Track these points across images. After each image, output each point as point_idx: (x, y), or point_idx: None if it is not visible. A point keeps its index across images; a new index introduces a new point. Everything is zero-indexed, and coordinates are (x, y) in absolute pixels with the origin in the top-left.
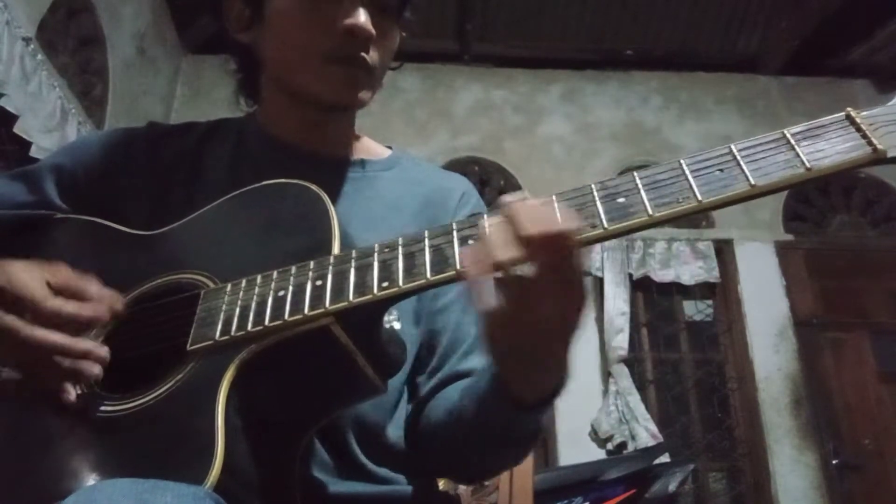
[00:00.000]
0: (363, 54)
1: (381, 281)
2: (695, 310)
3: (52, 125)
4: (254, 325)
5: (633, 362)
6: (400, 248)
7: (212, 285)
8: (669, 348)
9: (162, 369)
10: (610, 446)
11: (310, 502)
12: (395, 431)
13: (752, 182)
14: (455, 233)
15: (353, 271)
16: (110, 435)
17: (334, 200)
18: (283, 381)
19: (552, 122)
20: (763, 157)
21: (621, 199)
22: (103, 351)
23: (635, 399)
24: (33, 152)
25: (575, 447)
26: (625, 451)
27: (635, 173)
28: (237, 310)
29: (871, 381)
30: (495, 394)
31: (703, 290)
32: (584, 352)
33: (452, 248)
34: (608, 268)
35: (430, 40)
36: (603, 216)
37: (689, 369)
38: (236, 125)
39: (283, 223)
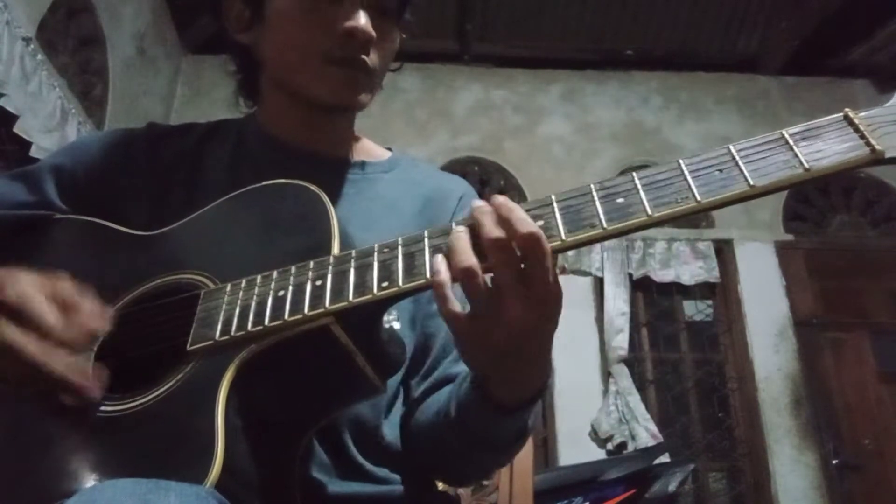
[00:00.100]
0: (363, 56)
1: (380, 281)
2: (695, 310)
3: (52, 125)
4: (254, 325)
5: (633, 362)
6: (400, 249)
7: (211, 285)
8: (669, 348)
9: (162, 369)
10: (610, 446)
11: (309, 502)
12: (391, 431)
13: (751, 182)
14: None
15: (352, 271)
16: (110, 435)
17: (334, 201)
18: (283, 381)
19: (552, 122)
20: (762, 158)
21: (620, 200)
22: (97, 390)
23: (635, 399)
24: (33, 152)
25: (575, 447)
26: (625, 451)
27: (634, 174)
28: (237, 310)
29: (871, 381)
30: (476, 397)
31: (703, 290)
32: (584, 352)
33: None
34: (608, 268)
35: (430, 40)
36: (602, 216)
37: (689, 369)
38: (236, 126)
39: (282, 223)
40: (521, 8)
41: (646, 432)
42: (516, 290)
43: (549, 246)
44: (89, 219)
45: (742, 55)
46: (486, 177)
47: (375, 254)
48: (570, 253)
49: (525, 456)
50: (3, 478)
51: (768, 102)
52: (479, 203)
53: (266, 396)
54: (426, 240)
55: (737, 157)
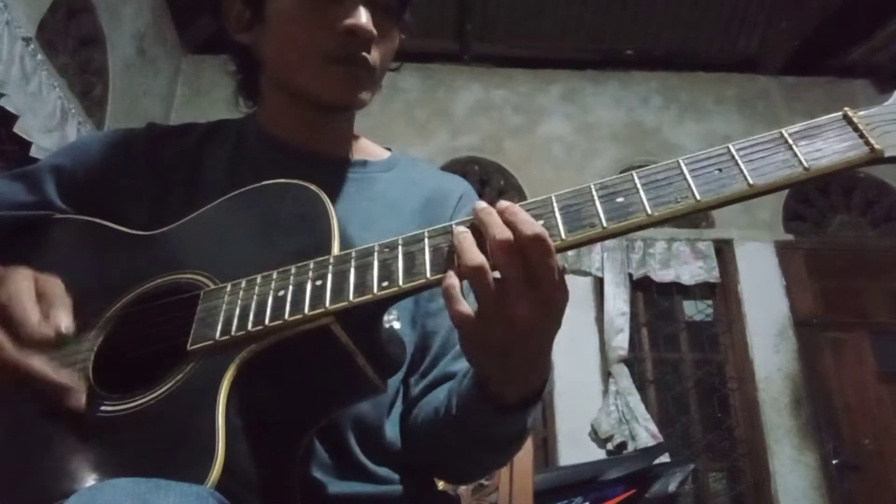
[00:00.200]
0: (364, 54)
1: (380, 280)
2: (695, 310)
3: (52, 125)
4: (254, 324)
5: (633, 362)
6: (400, 248)
7: (211, 285)
8: (669, 348)
9: (162, 369)
10: (610, 446)
11: (310, 502)
12: (392, 430)
13: (751, 182)
14: (456, 229)
15: (352, 271)
16: (110, 435)
17: (334, 201)
18: (284, 380)
19: (552, 122)
20: (761, 157)
21: (620, 199)
22: (80, 388)
23: (635, 399)
24: (33, 152)
25: (575, 447)
26: (625, 451)
27: (634, 173)
28: (237, 310)
29: (871, 381)
30: (476, 395)
31: (703, 290)
32: (584, 352)
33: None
34: (608, 268)
35: (430, 40)
36: (602, 216)
37: (689, 369)
38: (236, 126)
39: (282, 223)
40: (521, 8)
41: (646, 432)
42: (522, 289)
43: (553, 245)
44: (89, 219)
45: (742, 55)
46: (486, 177)
47: (375, 253)
48: (570, 253)
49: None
50: (3, 478)
51: (768, 102)
52: (482, 205)
53: (266, 396)
54: (426, 239)
55: (736, 157)
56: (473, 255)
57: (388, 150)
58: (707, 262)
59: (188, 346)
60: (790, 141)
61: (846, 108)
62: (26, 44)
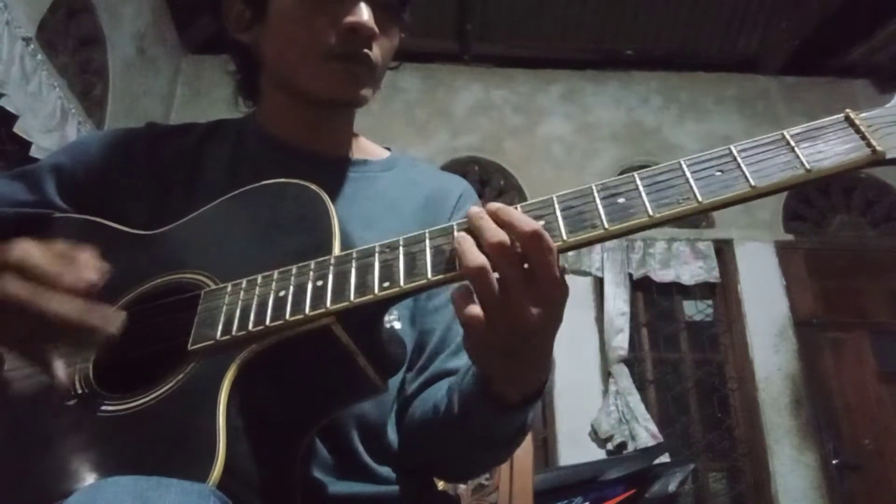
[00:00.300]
0: (366, 51)
1: (382, 281)
2: (695, 310)
3: (52, 125)
4: (255, 324)
5: (633, 362)
6: (401, 249)
7: (212, 285)
8: (669, 348)
9: (162, 369)
10: (610, 446)
11: (310, 502)
12: (393, 430)
13: (753, 183)
14: (456, 232)
15: (353, 271)
16: (111, 435)
17: (334, 200)
18: (284, 380)
19: (552, 122)
20: (763, 159)
21: (621, 200)
22: (119, 318)
23: (635, 399)
24: (33, 152)
25: (575, 447)
26: (625, 451)
27: (635, 174)
28: (238, 310)
29: (871, 381)
30: (478, 393)
31: (703, 290)
32: (584, 352)
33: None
34: (608, 268)
35: (430, 40)
36: (603, 216)
37: (689, 369)
38: (236, 125)
39: (283, 223)
40: (521, 8)
41: (646, 432)
42: (523, 288)
43: (552, 242)
44: (89, 218)
45: (742, 55)
46: (486, 177)
47: (376, 254)
48: (571, 253)
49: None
50: (4, 478)
51: (768, 102)
52: (475, 210)
53: (267, 396)
54: (427, 240)
55: (738, 158)
56: (474, 256)
57: (388, 149)
58: (707, 262)
59: (189, 345)
60: (792, 142)
61: (848, 110)
62: (26, 44)
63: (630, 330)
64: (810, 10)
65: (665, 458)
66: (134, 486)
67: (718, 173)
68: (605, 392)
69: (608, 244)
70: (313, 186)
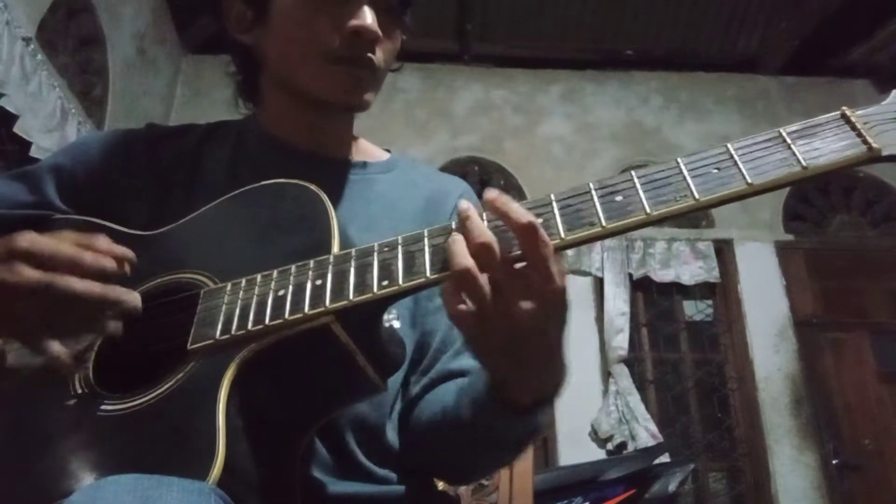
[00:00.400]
0: (369, 55)
1: (380, 280)
2: (695, 310)
3: (52, 125)
4: (254, 323)
5: (633, 362)
6: (400, 248)
7: (211, 285)
8: (669, 348)
9: (162, 369)
10: (610, 446)
11: (310, 502)
12: (393, 431)
13: (749, 180)
14: (454, 233)
15: (352, 270)
16: (111, 434)
17: (334, 202)
18: (284, 380)
19: (552, 122)
20: (759, 156)
21: (619, 198)
22: (138, 299)
23: (635, 399)
24: (33, 152)
25: (575, 447)
26: (625, 451)
27: (633, 172)
28: (237, 309)
29: (871, 381)
30: (489, 395)
31: (703, 290)
32: (584, 352)
33: None
34: (608, 268)
35: (430, 40)
36: (601, 215)
37: (689, 369)
38: (236, 126)
39: (282, 223)
40: (521, 8)
41: (646, 432)
42: (515, 288)
43: (546, 237)
44: (89, 219)
45: (742, 55)
46: (486, 177)
47: (375, 253)
48: (570, 253)
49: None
50: (4, 477)
51: (768, 102)
52: (465, 205)
53: (267, 395)
54: (426, 239)
55: (735, 156)
56: (460, 259)
57: (388, 151)
58: (707, 262)
59: (188, 345)
60: (788, 140)
61: (844, 108)
62: (26, 44)
63: (630, 330)
64: (810, 10)
65: (665, 458)
66: (135, 484)
67: (715, 171)
68: (605, 392)
69: (608, 243)
70: (312, 187)
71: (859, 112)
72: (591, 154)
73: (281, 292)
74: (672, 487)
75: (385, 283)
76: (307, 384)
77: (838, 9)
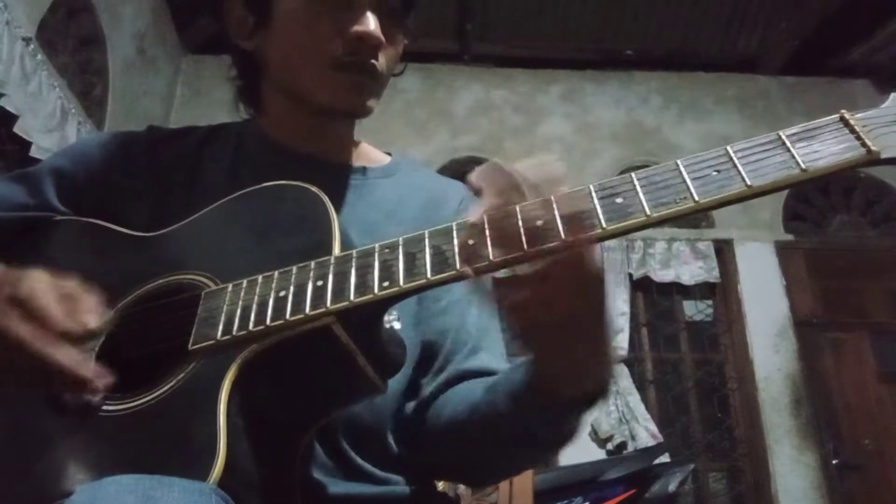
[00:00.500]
0: (372, 61)
1: (381, 281)
2: (695, 310)
3: (52, 125)
4: (255, 324)
5: (633, 362)
6: (400, 249)
7: (212, 286)
8: (669, 348)
9: (163, 369)
10: (610, 446)
11: (310, 502)
12: (393, 434)
13: (749, 183)
14: (455, 233)
15: (353, 271)
16: (111, 434)
17: (335, 206)
18: (285, 380)
19: (552, 122)
20: (759, 159)
21: (619, 200)
22: (106, 381)
23: (635, 399)
24: (33, 152)
25: (575, 447)
26: (625, 451)
27: (633, 174)
28: (238, 310)
29: (871, 381)
30: (531, 392)
31: (703, 290)
32: None
33: (453, 248)
34: (608, 268)
35: (430, 40)
36: (601, 216)
37: (689, 369)
38: (237, 129)
39: (283, 224)
40: (521, 8)
41: (646, 432)
42: (555, 282)
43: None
44: (89, 220)
45: (742, 55)
46: None
47: (376, 254)
48: None
49: None
50: (4, 477)
51: (768, 102)
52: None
53: (267, 396)
54: (427, 240)
55: (734, 158)
56: (503, 249)
57: (389, 154)
58: (707, 262)
59: (189, 345)
60: (788, 143)
61: (843, 111)
62: (26, 44)
63: (630, 330)
64: (810, 10)
65: (665, 458)
66: (136, 484)
67: (715, 173)
68: None
69: (608, 244)
70: (313, 188)
71: (858, 115)
72: (591, 154)
73: (282, 293)
74: (672, 487)
75: (386, 284)
76: (308, 385)
77: (838, 9)
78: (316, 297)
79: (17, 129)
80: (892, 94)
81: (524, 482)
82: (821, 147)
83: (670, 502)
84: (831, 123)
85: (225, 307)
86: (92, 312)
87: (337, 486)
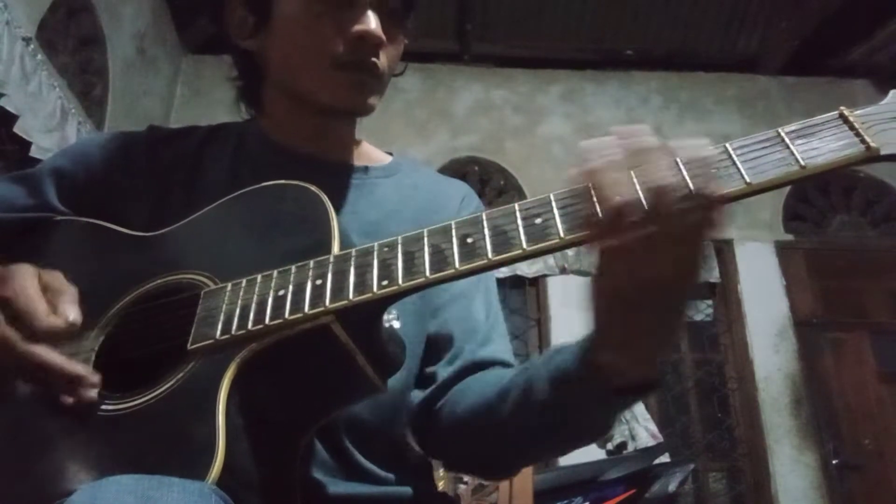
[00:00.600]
0: (373, 59)
1: (380, 280)
2: (695, 310)
3: (52, 125)
4: (254, 323)
5: None
6: (399, 248)
7: (212, 285)
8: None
9: (162, 369)
10: (610, 446)
11: (310, 502)
12: (394, 432)
13: (748, 180)
14: (454, 231)
15: (352, 270)
16: (111, 434)
17: (335, 206)
18: (284, 380)
19: (552, 122)
20: (758, 156)
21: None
22: (95, 378)
23: None
24: (33, 152)
25: None
26: (625, 451)
27: (632, 172)
28: (238, 309)
29: (871, 381)
30: (583, 375)
31: (703, 290)
32: None
33: (452, 246)
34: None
35: (430, 40)
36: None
37: (689, 369)
38: (237, 129)
39: (282, 224)
40: (521, 8)
41: (646, 432)
42: (657, 243)
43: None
44: (90, 220)
45: (742, 55)
46: (486, 177)
47: (375, 253)
48: (570, 253)
49: None
50: (4, 477)
51: (768, 102)
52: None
53: (266, 395)
54: (426, 239)
55: (733, 155)
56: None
57: (390, 154)
58: (707, 262)
59: (189, 345)
60: (787, 139)
61: (842, 108)
62: (26, 44)
63: None
64: (810, 10)
65: (665, 458)
66: (136, 485)
67: (714, 171)
68: None
69: None
70: (313, 188)
71: (857, 112)
72: None
73: (281, 292)
74: (672, 487)
75: (385, 282)
76: (307, 384)
77: (838, 9)
78: (315, 297)
79: (17, 129)
80: (892, 91)
81: (524, 482)
82: (820, 144)
83: (670, 502)
84: (830, 120)
85: (224, 307)
86: (73, 304)
87: (337, 486)
